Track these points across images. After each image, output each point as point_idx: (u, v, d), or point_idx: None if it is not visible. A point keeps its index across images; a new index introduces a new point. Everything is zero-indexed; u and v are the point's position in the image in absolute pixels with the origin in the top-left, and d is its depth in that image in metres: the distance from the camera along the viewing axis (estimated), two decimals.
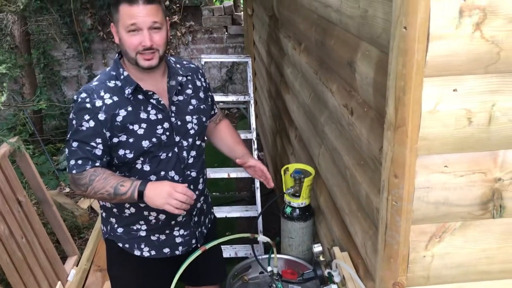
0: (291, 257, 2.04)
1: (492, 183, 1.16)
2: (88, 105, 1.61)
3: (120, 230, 1.81)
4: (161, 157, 1.71)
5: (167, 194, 1.55)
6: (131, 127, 1.64)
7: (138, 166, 1.70)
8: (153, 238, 1.81)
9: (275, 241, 1.81)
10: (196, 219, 1.88)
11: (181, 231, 1.84)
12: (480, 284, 1.29)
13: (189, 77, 1.81)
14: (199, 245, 1.87)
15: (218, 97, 3.56)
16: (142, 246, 1.82)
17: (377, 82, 1.27)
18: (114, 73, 1.68)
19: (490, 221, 1.21)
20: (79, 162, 1.62)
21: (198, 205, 1.88)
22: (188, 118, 1.76)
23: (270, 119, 3.83)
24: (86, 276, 2.92)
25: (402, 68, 1.04)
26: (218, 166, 3.40)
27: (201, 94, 1.84)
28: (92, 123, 1.61)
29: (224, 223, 3.17)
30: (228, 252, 3.05)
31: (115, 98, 1.64)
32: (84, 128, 1.61)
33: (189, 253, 1.75)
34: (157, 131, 1.68)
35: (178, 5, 5.75)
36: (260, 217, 3.17)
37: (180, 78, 1.75)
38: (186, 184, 1.62)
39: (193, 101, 1.79)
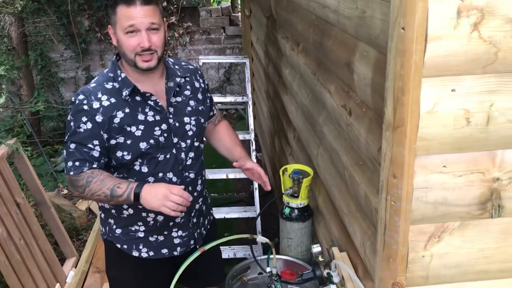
0: (290, 258, 2.03)
1: (490, 183, 1.17)
2: (85, 107, 1.61)
3: (118, 231, 1.81)
4: (159, 158, 1.71)
5: (163, 196, 1.55)
6: (128, 128, 1.64)
7: (136, 167, 1.70)
8: (151, 239, 1.81)
9: (274, 241, 1.81)
10: (195, 220, 1.88)
11: (180, 232, 1.84)
12: (479, 283, 1.29)
13: (187, 78, 1.81)
14: (198, 247, 1.87)
15: (216, 98, 3.56)
16: (141, 247, 1.82)
17: (375, 82, 1.28)
18: (111, 75, 1.68)
19: (489, 221, 1.21)
20: (77, 163, 1.62)
21: (197, 206, 1.88)
22: (186, 119, 1.76)
23: (268, 119, 3.83)
24: (85, 277, 2.92)
25: (400, 69, 1.04)
26: (217, 167, 3.40)
27: (200, 95, 1.83)
28: (89, 125, 1.61)
29: (223, 224, 3.17)
30: (227, 253, 3.05)
31: (113, 100, 1.64)
32: (81, 130, 1.61)
33: (187, 254, 1.75)
34: (154, 132, 1.68)
35: (175, 6, 5.75)
36: (259, 218, 3.17)
37: (178, 79, 1.75)
38: (183, 186, 1.61)
39: (192, 102, 1.79)
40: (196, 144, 1.80)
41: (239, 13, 6.04)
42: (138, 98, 1.67)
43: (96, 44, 5.78)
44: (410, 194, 1.15)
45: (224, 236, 1.71)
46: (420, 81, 1.04)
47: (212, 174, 3.29)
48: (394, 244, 1.21)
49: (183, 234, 1.85)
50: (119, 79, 1.66)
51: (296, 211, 2.04)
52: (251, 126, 3.41)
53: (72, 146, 1.63)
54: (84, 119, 1.61)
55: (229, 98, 3.71)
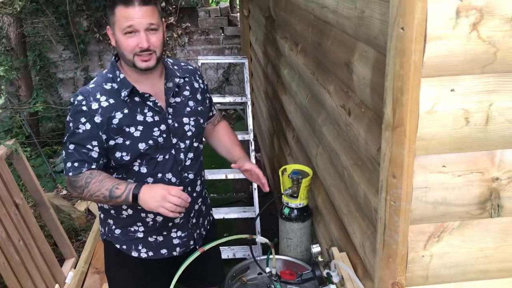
0: (290, 258, 2.03)
1: (489, 182, 1.17)
2: (84, 108, 1.61)
3: (117, 231, 1.81)
4: (158, 159, 1.71)
5: (161, 197, 1.55)
6: (127, 129, 1.64)
7: (135, 168, 1.70)
8: (150, 239, 1.81)
9: (273, 242, 1.81)
10: (194, 220, 1.88)
11: (179, 233, 1.84)
12: (479, 283, 1.29)
13: (186, 79, 1.80)
14: (197, 247, 1.86)
15: (215, 98, 3.55)
16: (140, 247, 1.82)
17: (375, 82, 1.28)
18: (110, 76, 1.68)
19: (488, 221, 1.22)
20: (76, 164, 1.62)
21: (196, 206, 1.87)
22: (185, 120, 1.76)
23: (267, 120, 3.83)
24: (84, 278, 2.92)
25: (399, 69, 1.04)
26: (216, 168, 3.40)
27: (199, 96, 1.83)
28: (88, 126, 1.61)
29: (222, 224, 3.17)
30: (226, 253, 3.05)
31: (111, 101, 1.63)
32: (80, 130, 1.61)
33: (187, 254, 1.75)
34: (153, 133, 1.68)
35: (174, 6, 5.75)
36: (258, 218, 3.17)
37: (177, 79, 1.75)
38: (181, 187, 1.61)
39: (191, 103, 1.79)
40: (195, 144, 1.80)
41: (238, 14, 6.04)
42: (137, 98, 1.67)
43: (94, 44, 5.78)
44: (410, 194, 1.15)
45: (223, 237, 1.71)
46: (419, 81, 1.04)
47: (211, 174, 3.29)
48: (393, 244, 1.21)
49: (183, 235, 1.85)
50: (118, 79, 1.66)
51: (295, 211, 2.03)
52: (250, 126, 3.41)
53: (71, 147, 1.63)
54: (83, 120, 1.61)
55: (228, 99, 3.71)
